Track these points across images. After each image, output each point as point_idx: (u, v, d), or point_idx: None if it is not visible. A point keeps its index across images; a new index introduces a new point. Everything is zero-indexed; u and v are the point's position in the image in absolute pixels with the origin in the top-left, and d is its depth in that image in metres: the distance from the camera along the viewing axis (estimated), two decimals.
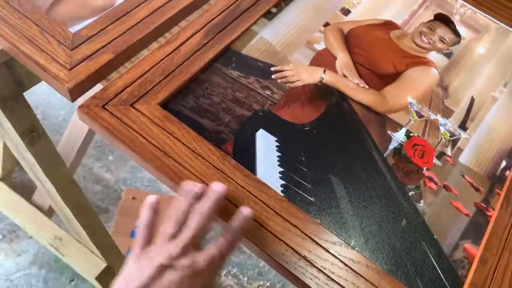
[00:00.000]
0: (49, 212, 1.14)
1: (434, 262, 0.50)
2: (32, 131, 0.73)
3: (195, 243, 0.42)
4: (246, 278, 1.28)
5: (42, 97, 1.44)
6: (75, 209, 0.94)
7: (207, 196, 0.44)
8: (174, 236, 0.41)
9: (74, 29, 0.58)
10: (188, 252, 0.41)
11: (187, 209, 0.43)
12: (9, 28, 0.55)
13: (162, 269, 0.39)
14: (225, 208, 0.47)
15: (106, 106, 0.52)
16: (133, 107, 0.53)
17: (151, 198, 0.45)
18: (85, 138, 1.06)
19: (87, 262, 1.11)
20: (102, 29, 0.59)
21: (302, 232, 0.48)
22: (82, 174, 1.39)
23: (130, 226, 1.38)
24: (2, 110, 0.66)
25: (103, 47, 0.57)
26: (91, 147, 1.42)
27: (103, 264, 1.09)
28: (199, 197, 0.44)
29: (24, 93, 0.69)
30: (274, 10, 0.70)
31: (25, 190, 1.20)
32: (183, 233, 0.42)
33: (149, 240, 0.43)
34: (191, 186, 0.44)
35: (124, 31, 0.60)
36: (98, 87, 0.56)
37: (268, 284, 1.28)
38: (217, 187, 0.44)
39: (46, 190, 0.87)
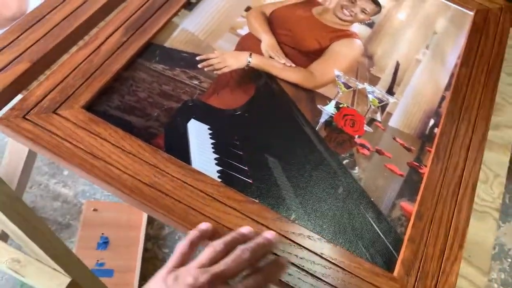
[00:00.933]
0: (3, 236, 1.10)
1: (373, 224, 0.52)
2: None
3: (225, 278, 0.40)
4: None
5: None
6: (28, 229, 0.91)
7: (255, 239, 0.43)
8: (207, 265, 0.40)
9: None
10: (214, 285, 0.39)
11: (230, 244, 0.42)
12: None
13: None
14: None
15: (27, 116, 0.51)
16: (56, 114, 0.51)
17: (205, 225, 0.45)
18: (28, 154, 1.02)
19: (51, 280, 1.07)
20: (15, 39, 0.57)
21: (241, 213, 0.48)
22: (39, 193, 1.34)
23: (95, 238, 1.35)
24: None
25: (17, 56, 0.55)
26: (44, 164, 1.37)
27: (67, 279, 1.07)
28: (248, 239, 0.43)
29: None
30: (193, 0, 0.70)
31: None
32: (217, 264, 0.40)
33: (183, 262, 0.42)
34: (243, 229, 0.45)
35: (39, 38, 0.58)
36: (18, 98, 0.54)
37: None
38: (268, 234, 0.44)
39: None
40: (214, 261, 0.41)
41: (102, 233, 1.38)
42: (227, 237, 0.43)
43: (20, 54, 0.55)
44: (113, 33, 0.61)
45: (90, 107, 0.53)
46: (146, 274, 1.27)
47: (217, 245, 0.42)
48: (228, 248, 0.42)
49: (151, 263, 1.33)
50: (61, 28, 0.60)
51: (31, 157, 1.05)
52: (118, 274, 1.26)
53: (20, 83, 0.54)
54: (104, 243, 1.36)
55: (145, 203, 0.47)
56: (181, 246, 0.42)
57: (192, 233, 0.44)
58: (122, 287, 1.23)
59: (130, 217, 1.39)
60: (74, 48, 0.61)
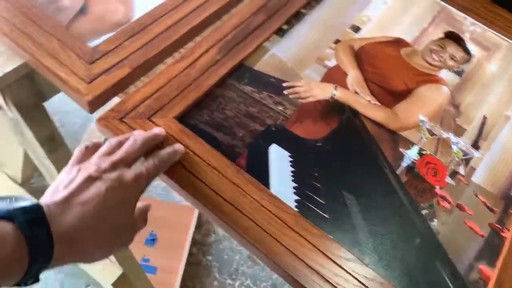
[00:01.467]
0: None
1: (449, 283, 0.49)
2: (52, 140, 0.75)
3: (126, 164, 0.44)
4: None
5: (60, 106, 1.47)
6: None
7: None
8: (107, 154, 0.44)
9: (93, 43, 0.59)
10: (117, 167, 0.43)
11: (124, 140, 0.47)
12: (32, 42, 0.56)
13: (91, 180, 0.41)
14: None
15: (124, 119, 0.53)
16: (150, 120, 0.53)
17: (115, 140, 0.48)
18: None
19: (104, 269, 1.11)
20: (120, 44, 0.60)
21: (315, 247, 0.48)
22: None
23: (144, 233, 1.38)
24: (23, 119, 0.68)
25: (120, 61, 0.58)
26: None
27: (118, 272, 1.10)
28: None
29: (50, 98, 0.71)
30: (285, 27, 0.71)
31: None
32: (115, 153, 0.45)
33: (85, 157, 0.45)
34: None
35: (141, 46, 0.60)
36: (115, 99, 0.57)
37: None
38: (155, 130, 0.50)
39: None
40: (112, 152, 0.45)
41: (152, 230, 1.40)
42: (119, 136, 0.47)
43: (123, 59, 0.58)
44: (208, 50, 0.63)
45: (181, 118, 0.55)
46: (187, 279, 1.28)
47: (113, 140, 0.46)
48: (122, 143, 0.46)
49: (193, 268, 1.33)
50: (160, 39, 0.62)
51: None
52: (160, 273, 1.28)
53: (120, 86, 0.57)
54: (152, 240, 1.39)
55: (225, 220, 0.47)
56: (81, 148, 0.46)
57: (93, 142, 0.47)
58: (163, 287, 1.25)
59: (180, 219, 1.42)
60: (170, 59, 0.63)
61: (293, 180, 0.54)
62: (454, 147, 0.62)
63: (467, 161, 0.62)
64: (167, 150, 0.49)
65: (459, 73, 0.73)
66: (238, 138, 0.56)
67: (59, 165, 0.80)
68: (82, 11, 0.62)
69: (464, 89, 0.71)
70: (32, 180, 1.25)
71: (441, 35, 0.78)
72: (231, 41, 0.65)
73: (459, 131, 0.65)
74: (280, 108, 0.61)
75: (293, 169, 0.55)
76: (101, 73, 0.55)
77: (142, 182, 0.44)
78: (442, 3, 0.84)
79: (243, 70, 0.64)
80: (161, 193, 1.43)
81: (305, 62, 0.68)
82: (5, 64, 0.58)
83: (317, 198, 0.53)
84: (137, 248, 1.33)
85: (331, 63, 0.69)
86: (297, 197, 0.52)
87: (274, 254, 0.46)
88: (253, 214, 0.49)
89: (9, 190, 1.13)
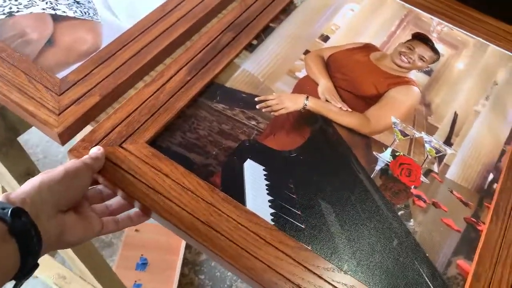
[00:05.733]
0: (52, 252, 1.15)
1: (428, 281, 0.50)
2: (28, 174, 0.75)
3: None
4: None
5: (42, 136, 1.47)
6: (77, 247, 0.96)
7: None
8: None
9: (61, 74, 0.59)
10: None
11: None
12: None
13: None
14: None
15: None
16: (122, 147, 0.54)
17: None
18: None
19: None
20: (88, 73, 0.61)
21: (294, 260, 0.48)
22: None
23: (134, 258, 1.38)
24: None
25: (89, 90, 0.59)
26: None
27: None
28: None
29: (25, 133, 0.71)
30: (255, 42, 0.72)
31: None
32: None
33: None
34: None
35: (110, 73, 0.61)
36: (87, 128, 0.57)
37: None
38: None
39: None
40: None
41: (142, 254, 1.40)
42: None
43: (92, 88, 0.59)
44: (177, 72, 0.64)
45: (153, 142, 0.56)
46: None
47: None
48: None
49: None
50: (129, 65, 0.63)
51: None
52: None
53: (90, 115, 0.58)
54: (143, 264, 1.38)
55: (201, 241, 0.48)
56: None
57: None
58: None
59: (170, 240, 1.42)
60: (141, 83, 0.64)
61: (268, 194, 0.54)
62: (427, 146, 0.63)
63: (440, 158, 0.62)
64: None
65: (428, 73, 0.75)
66: (212, 157, 0.57)
67: None
68: (50, 42, 0.63)
69: (434, 88, 0.73)
70: None
71: (409, 37, 0.80)
72: (200, 60, 0.66)
73: (431, 130, 0.66)
74: (253, 122, 0.62)
75: (268, 183, 0.55)
76: (70, 104, 0.56)
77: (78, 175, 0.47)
78: (408, 5, 0.86)
79: (214, 88, 0.64)
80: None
81: (275, 75, 0.69)
82: None
83: (293, 209, 0.53)
84: (129, 273, 1.32)
85: (302, 74, 0.70)
86: (272, 210, 0.53)
87: (252, 271, 0.47)
88: (229, 233, 0.49)
89: None
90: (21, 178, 0.76)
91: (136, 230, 1.45)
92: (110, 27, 0.67)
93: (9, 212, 0.38)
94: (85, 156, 0.50)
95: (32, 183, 0.43)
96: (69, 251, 0.98)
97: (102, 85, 0.60)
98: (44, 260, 1.13)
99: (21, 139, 0.75)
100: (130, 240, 1.42)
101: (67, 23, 0.66)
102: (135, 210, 0.52)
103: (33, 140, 1.46)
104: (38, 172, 0.78)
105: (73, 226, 0.45)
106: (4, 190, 1.05)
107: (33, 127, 0.71)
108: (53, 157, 1.46)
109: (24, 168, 0.75)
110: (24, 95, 0.56)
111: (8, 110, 0.62)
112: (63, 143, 0.55)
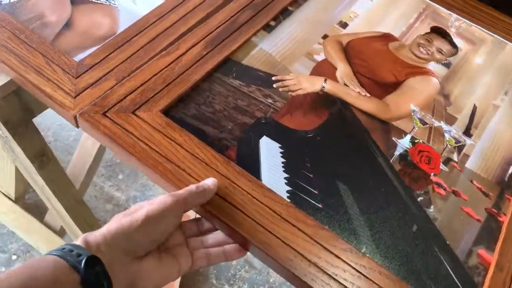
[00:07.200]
0: (61, 232, 1.13)
1: (448, 268, 0.48)
2: (42, 155, 0.75)
3: None
4: None
5: (53, 119, 1.46)
6: (84, 229, 0.95)
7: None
8: None
9: (78, 57, 0.58)
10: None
11: None
12: (17, 59, 0.55)
13: None
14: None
15: (107, 113, 0.51)
16: (135, 114, 0.52)
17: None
18: (94, 158, 1.06)
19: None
20: (105, 57, 0.59)
21: (310, 238, 0.46)
22: (94, 194, 1.37)
23: None
24: (12, 136, 0.68)
25: (105, 74, 0.57)
26: (101, 166, 1.41)
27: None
28: None
29: (37, 116, 0.70)
30: (272, 23, 0.71)
31: (38, 210, 1.20)
32: None
33: None
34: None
35: (126, 59, 0.59)
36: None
37: None
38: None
39: (57, 211, 0.89)
40: None
41: None
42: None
43: (108, 72, 0.57)
44: (194, 45, 0.62)
45: (167, 112, 0.54)
46: (185, 286, 1.24)
47: None
48: None
49: (190, 276, 1.29)
50: (145, 51, 0.61)
51: (96, 162, 1.09)
52: None
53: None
54: None
55: (215, 213, 0.45)
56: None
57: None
58: None
59: None
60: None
61: (284, 171, 0.52)
62: (447, 135, 0.61)
63: (460, 148, 0.61)
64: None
65: (447, 65, 0.73)
66: (227, 131, 0.54)
67: (50, 180, 0.79)
68: (68, 25, 0.62)
69: (453, 80, 0.71)
70: (26, 195, 1.23)
71: (427, 30, 0.78)
72: (217, 36, 0.64)
73: (450, 120, 0.64)
74: (270, 101, 0.60)
75: (284, 160, 0.53)
76: (87, 87, 0.54)
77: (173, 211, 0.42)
78: (427, 0, 0.84)
79: (230, 64, 0.62)
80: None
81: (293, 57, 0.67)
82: None
83: (310, 188, 0.51)
84: None
85: (320, 57, 0.68)
86: (289, 188, 0.50)
87: (268, 246, 0.45)
88: (244, 206, 0.47)
89: (3, 206, 1.12)
90: (35, 159, 0.75)
91: None
92: (127, 12, 0.66)
93: (84, 261, 0.35)
94: (188, 188, 0.43)
95: (109, 227, 0.39)
96: (77, 231, 0.96)
97: (118, 69, 0.58)
98: (53, 241, 1.12)
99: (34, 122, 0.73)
100: None
101: (84, 7, 0.65)
102: (231, 245, 0.46)
103: (45, 123, 1.44)
104: (51, 153, 0.76)
105: (150, 272, 0.40)
106: (17, 170, 1.01)
107: (47, 110, 0.69)
108: (64, 140, 1.44)
109: (38, 150, 0.74)
110: (41, 76, 0.54)
111: (24, 91, 0.60)
112: (78, 125, 0.53)
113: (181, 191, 0.43)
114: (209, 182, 0.45)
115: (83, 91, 0.54)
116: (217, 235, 0.46)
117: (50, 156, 0.78)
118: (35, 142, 0.74)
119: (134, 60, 0.59)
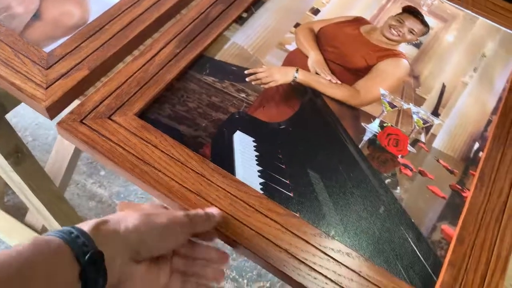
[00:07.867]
0: (43, 232, 1.16)
1: (413, 245, 0.51)
2: (17, 152, 0.75)
3: None
4: (245, 281, 1.29)
5: (30, 119, 1.46)
6: (67, 225, 0.96)
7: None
8: None
9: (49, 48, 0.59)
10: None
11: None
12: None
13: None
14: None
15: (84, 121, 0.54)
16: (111, 119, 0.54)
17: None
18: (72, 155, 1.07)
19: None
20: (76, 47, 0.60)
21: (282, 226, 0.50)
22: (76, 192, 1.40)
23: None
24: None
25: (78, 64, 0.59)
26: (82, 164, 1.43)
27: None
28: None
29: (13, 117, 0.71)
30: (244, 15, 0.72)
31: (19, 212, 1.21)
32: None
33: None
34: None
35: (98, 47, 0.61)
36: (76, 103, 0.57)
37: (268, 285, 1.29)
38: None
39: (37, 209, 0.88)
40: None
41: None
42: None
43: (81, 62, 0.59)
44: (166, 44, 0.64)
45: (142, 114, 0.56)
46: None
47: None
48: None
49: None
50: (118, 39, 0.63)
51: (74, 159, 1.10)
52: None
53: (79, 89, 0.58)
54: None
55: (188, 209, 0.49)
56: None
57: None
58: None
59: None
60: (129, 57, 0.64)
61: (258, 164, 0.55)
62: (415, 117, 0.64)
63: (427, 129, 0.63)
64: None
65: (417, 46, 0.75)
66: (201, 129, 0.57)
67: (27, 177, 0.79)
68: (37, 16, 0.63)
69: (423, 61, 0.73)
70: (5, 198, 1.24)
71: (399, 10, 0.79)
72: (190, 33, 0.66)
73: (419, 101, 0.67)
74: (243, 95, 0.62)
75: (257, 153, 0.56)
76: (58, 78, 0.56)
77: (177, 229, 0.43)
78: None
79: (204, 61, 0.65)
80: (141, 197, 1.43)
81: (265, 48, 0.69)
82: None
83: (282, 179, 0.54)
84: None
85: (292, 47, 0.70)
86: (262, 180, 0.53)
87: (241, 237, 0.48)
88: (219, 201, 0.50)
89: None
90: (10, 156, 0.75)
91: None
92: (97, 1, 0.67)
93: (88, 256, 0.35)
94: (195, 212, 0.45)
95: (126, 224, 0.39)
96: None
97: (91, 58, 0.60)
98: None
99: (10, 122, 0.74)
100: None
101: None
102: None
103: (22, 123, 1.45)
104: (27, 150, 0.77)
105: (138, 278, 0.40)
106: None
107: (20, 107, 0.70)
108: (42, 140, 1.45)
109: (12, 146, 0.75)
110: (10, 69, 0.56)
111: None
112: (51, 117, 0.55)
113: (192, 212, 0.45)
114: (214, 210, 0.48)
115: (54, 82, 0.55)
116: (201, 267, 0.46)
117: (25, 153, 0.77)
118: (9, 139, 0.74)
119: (106, 48, 0.61)
